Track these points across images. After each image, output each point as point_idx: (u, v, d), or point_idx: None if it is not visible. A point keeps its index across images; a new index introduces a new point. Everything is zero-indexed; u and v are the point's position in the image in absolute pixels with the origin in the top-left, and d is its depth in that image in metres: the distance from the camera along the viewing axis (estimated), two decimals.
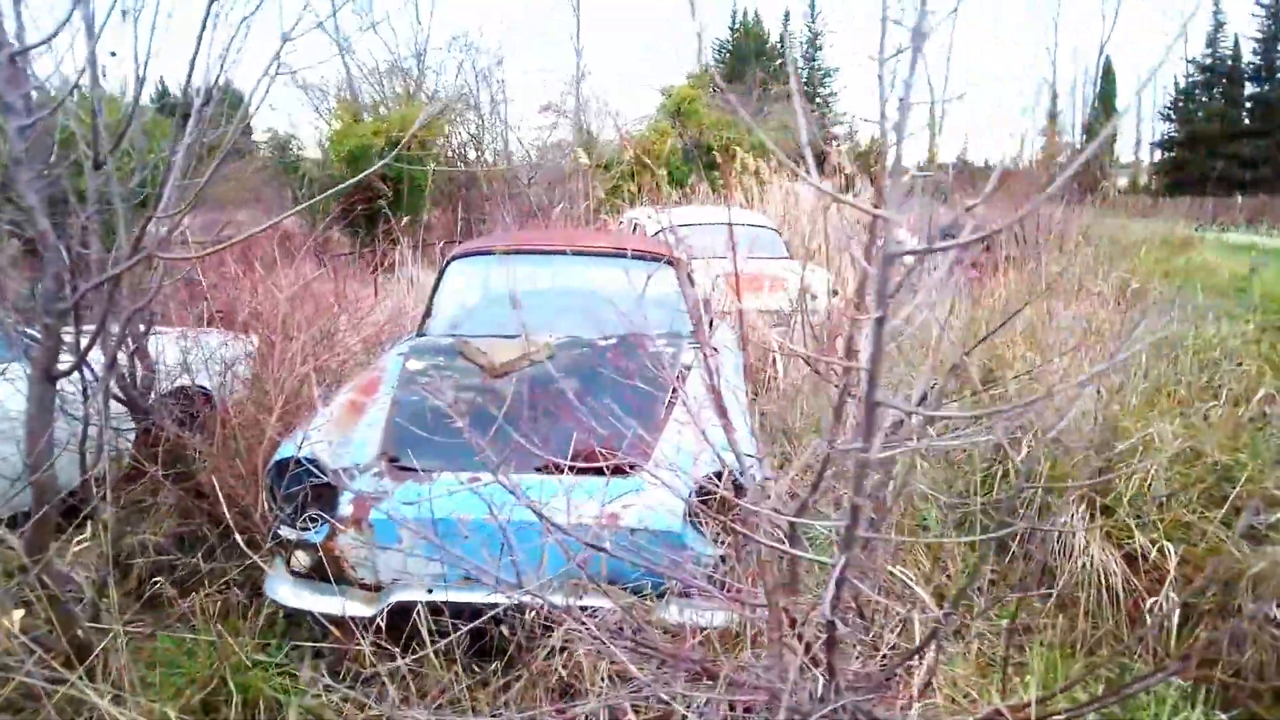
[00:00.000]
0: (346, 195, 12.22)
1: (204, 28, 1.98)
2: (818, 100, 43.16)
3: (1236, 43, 40.52)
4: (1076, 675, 1.92)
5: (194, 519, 3.40)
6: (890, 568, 1.83)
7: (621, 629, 2.30)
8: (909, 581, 1.53)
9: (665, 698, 1.48)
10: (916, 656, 1.75)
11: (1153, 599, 2.72)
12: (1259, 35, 39.78)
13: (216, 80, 2.26)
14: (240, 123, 2.31)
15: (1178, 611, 2.60)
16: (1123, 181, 39.93)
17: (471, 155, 16.56)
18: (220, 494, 2.66)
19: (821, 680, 1.33)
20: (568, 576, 2.26)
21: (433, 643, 2.32)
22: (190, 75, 2.06)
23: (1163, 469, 3.20)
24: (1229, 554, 2.69)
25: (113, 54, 3.08)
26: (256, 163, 13.45)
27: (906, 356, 3.55)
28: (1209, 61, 41.28)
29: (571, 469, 2.30)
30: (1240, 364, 4.93)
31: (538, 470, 2.49)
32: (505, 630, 2.30)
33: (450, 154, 15.69)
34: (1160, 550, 2.89)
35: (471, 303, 4.06)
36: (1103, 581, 2.89)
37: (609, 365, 3.08)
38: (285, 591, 2.61)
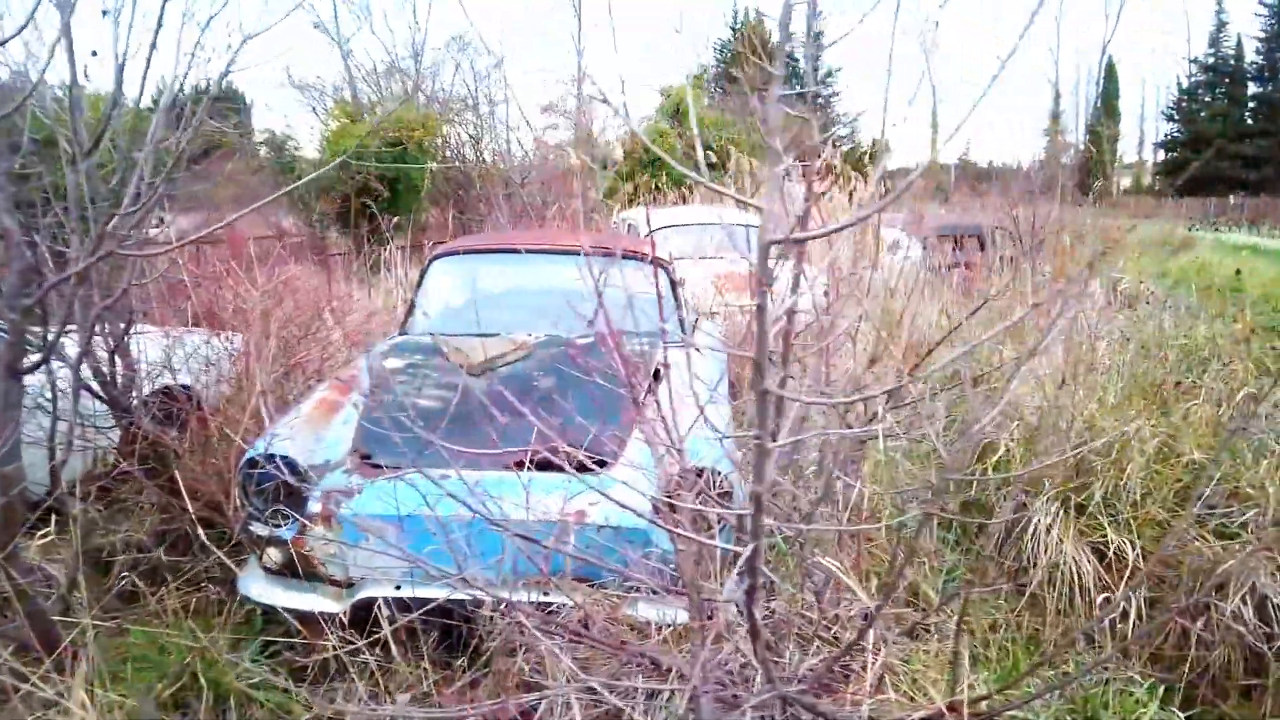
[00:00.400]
0: (342, 195, 12.30)
1: (159, 26, 2.00)
2: (819, 101, 43.08)
3: (1239, 43, 40.49)
4: (1024, 671, 1.93)
5: (176, 517, 3.42)
6: (833, 561, 1.83)
7: (586, 625, 2.32)
8: (839, 573, 1.53)
9: (598, 688, 1.49)
10: (870, 653, 1.76)
11: (1102, 595, 2.73)
12: (1262, 35, 39.76)
13: (183, 79, 2.28)
14: (193, 123, 2.32)
15: (1133, 606, 2.61)
16: (1126, 182, 39.89)
17: (470, 155, 16.57)
18: (186, 492, 2.68)
19: (761, 673, 1.34)
20: (534, 573, 2.28)
21: (401, 638, 2.34)
22: (146, 74, 2.07)
23: (1139, 468, 3.21)
24: (1196, 551, 2.70)
25: (94, 53, 3.11)
26: (254, 164, 13.47)
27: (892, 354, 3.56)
28: (1212, 61, 41.20)
29: (539, 466, 2.31)
30: (1227, 364, 4.93)
31: (508, 468, 2.51)
32: (471, 627, 2.32)
33: (448, 154, 15.70)
34: (1134, 548, 2.89)
35: (454, 301, 4.08)
36: (1075, 579, 2.89)
37: (585, 363, 3.09)
38: (257, 588, 2.63)
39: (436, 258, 4.15)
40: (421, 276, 4.10)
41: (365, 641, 2.32)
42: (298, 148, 14.08)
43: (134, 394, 3.49)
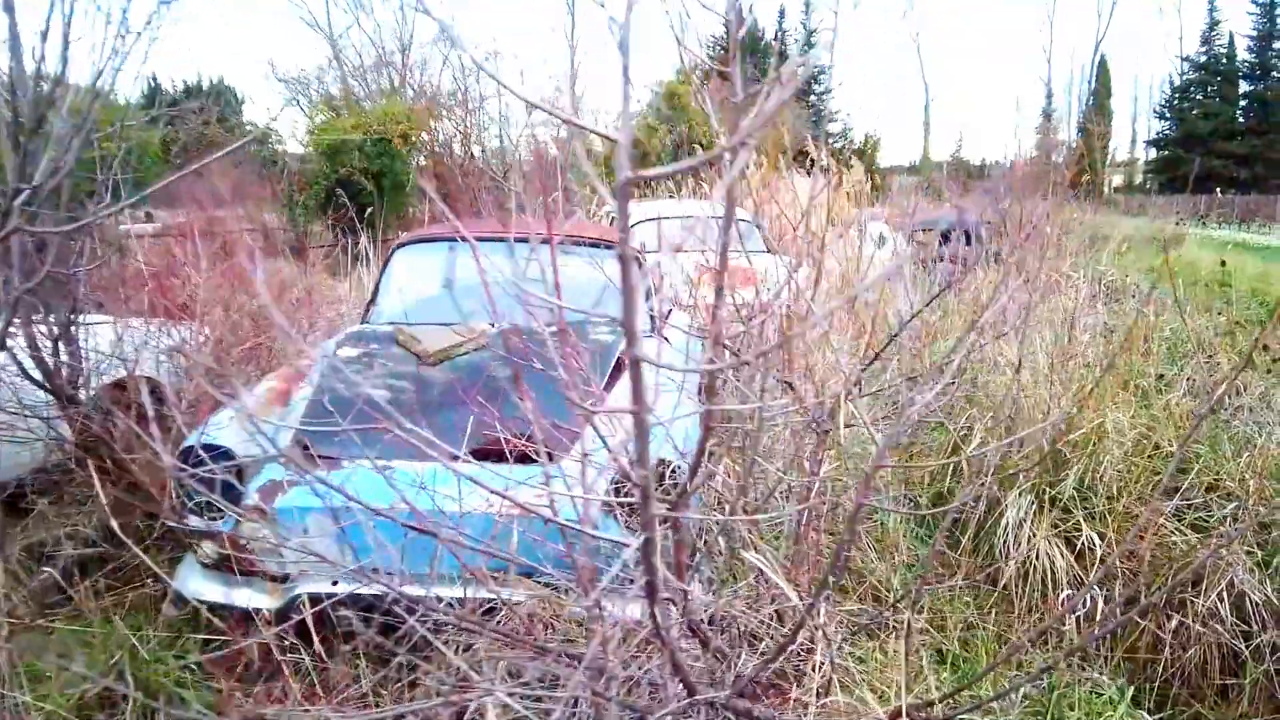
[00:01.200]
0: (327, 189, 12.15)
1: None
2: (811, 97, 43.02)
3: (1231, 41, 40.48)
4: (979, 674, 1.82)
5: (128, 511, 3.31)
6: (759, 557, 1.72)
7: (531, 623, 2.21)
8: (764, 567, 1.42)
9: (505, 697, 1.38)
10: (819, 653, 1.66)
11: (1062, 594, 2.63)
12: (1254, 33, 39.74)
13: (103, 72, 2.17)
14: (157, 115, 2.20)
15: (1100, 603, 2.51)
16: (1118, 179, 39.90)
17: (458, 150, 16.42)
18: (133, 485, 2.56)
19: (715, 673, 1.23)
20: (479, 568, 2.18)
21: (339, 637, 2.23)
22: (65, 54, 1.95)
23: (1115, 460, 3.11)
24: (1171, 546, 2.60)
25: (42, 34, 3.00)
26: (238, 157, 13.30)
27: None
28: (1204, 60, 41.20)
29: (486, 457, 2.21)
30: (1210, 357, 4.85)
31: (455, 458, 2.40)
32: (408, 624, 2.20)
33: (437, 149, 15.56)
34: (1108, 543, 2.79)
35: (418, 291, 3.96)
36: (1048, 574, 2.80)
37: (545, 353, 2.99)
38: (193, 583, 2.52)
39: (400, 246, 4.03)
40: (384, 266, 3.99)
41: (299, 639, 2.22)
42: (280, 141, 13.92)
43: (80, 384, 3.36)
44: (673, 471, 2.46)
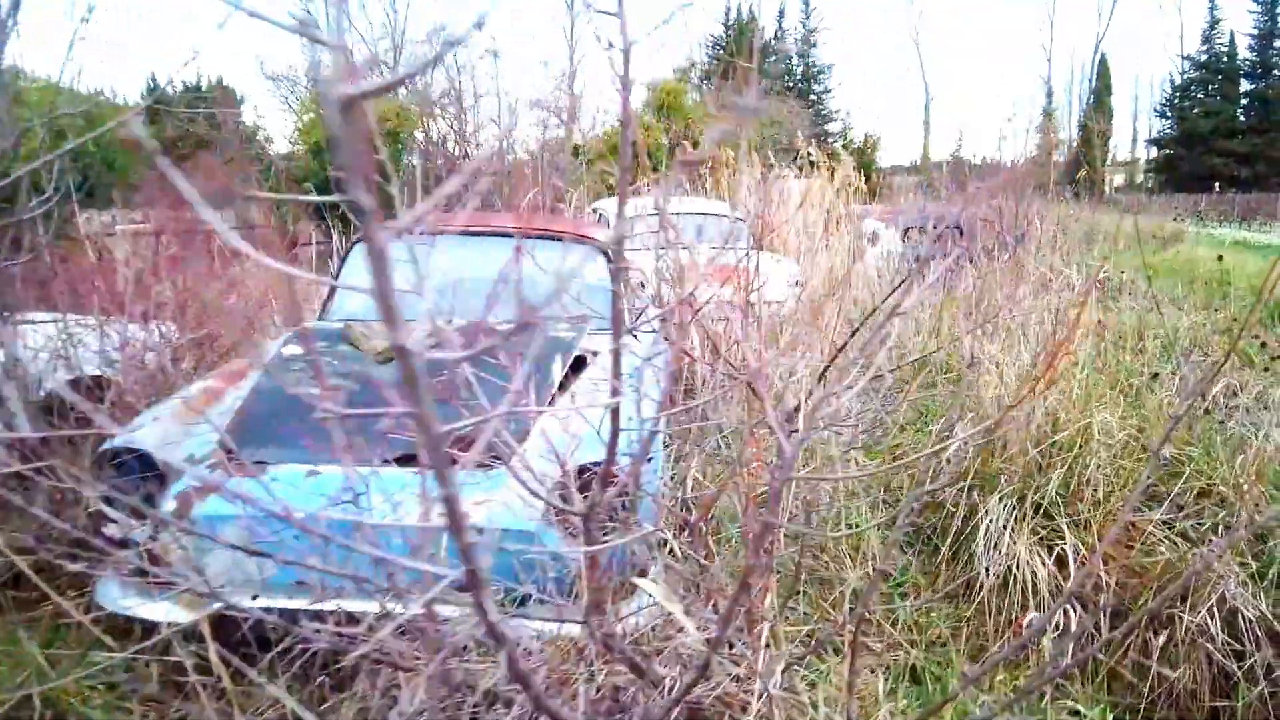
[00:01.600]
0: (316, 187, 12.01)
1: None
2: (811, 97, 42.86)
3: (1232, 39, 40.25)
4: (936, 704, 1.66)
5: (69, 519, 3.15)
6: (647, 582, 1.55)
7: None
8: (654, 594, 1.25)
9: None
10: (761, 681, 1.49)
11: (1030, 615, 2.45)
12: (1255, 32, 39.52)
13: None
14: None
15: (1067, 618, 2.34)
16: (1119, 179, 39.67)
17: (453, 149, 16.26)
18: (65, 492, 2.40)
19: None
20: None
21: (261, 653, 2.07)
22: None
23: (1103, 463, 2.94)
24: (1160, 556, 2.43)
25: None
26: (227, 155, 13.16)
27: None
28: (1204, 58, 40.98)
29: (411, 461, 2.05)
30: (1206, 355, 4.69)
31: (387, 462, 2.24)
32: (335, 641, 2.04)
33: (430, 147, 15.42)
34: (1092, 551, 2.62)
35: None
36: (1029, 585, 2.63)
37: (500, 350, 2.83)
38: (112, 596, 2.36)
39: (359, 240, 3.86)
40: (342, 260, 3.83)
41: (220, 656, 2.05)
42: (269, 139, 13.77)
43: (13, 386, 3.19)
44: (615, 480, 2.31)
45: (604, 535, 2.25)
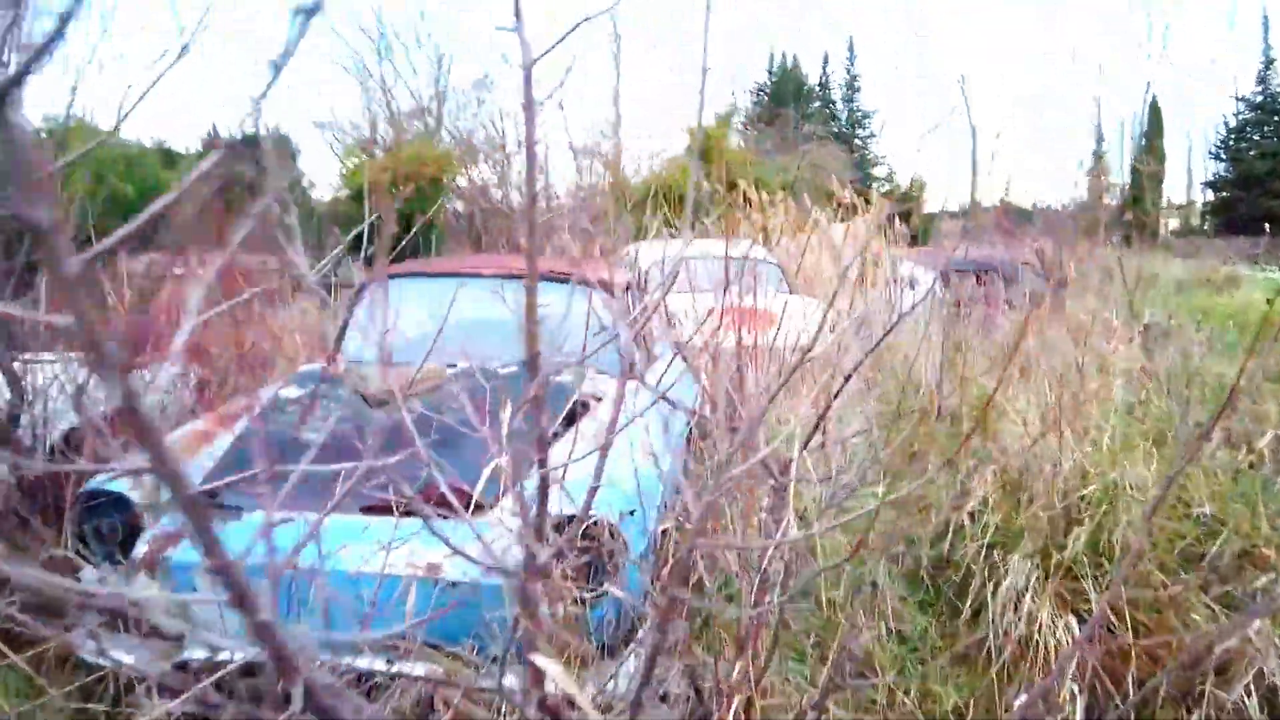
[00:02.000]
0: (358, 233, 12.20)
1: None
2: (856, 142, 42.90)
3: None
4: None
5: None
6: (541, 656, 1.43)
7: (433, 700, 1.96)
8: (555, 676, 1.13)
9: None
10: None
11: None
12: None
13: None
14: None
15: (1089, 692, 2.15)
16: (1174, 223, 38.72)
17: (497, 195, 16.48)
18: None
19: None
20: (391, 635, 1.94)
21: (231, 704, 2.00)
22: None
23: (1135, 521, 2.76)
24: (1196, 625, 2.24)
25: None
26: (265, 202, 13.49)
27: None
28: (1260, 99, 40.11)
29: (380, 510, 1.98)
30: (1256, 403, 4.43)
31: (364, 510, 2.19)
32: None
33: (473, 194, 15.64)
34: (1120, 617, 2.44)
35: (389, 328, 3.78)
36: (1052, 651, 2.45)
37: (510, 394, 2.77)
38: (89, 641, 2.31)
39: (368, 283, 3.87)
40: (353, 302, 3.83)
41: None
42: (312, 185, 14.14)
43: (24, 424, 3.22)
44: (611, 534, 2.21)
45: (592, 594, 2.16)
